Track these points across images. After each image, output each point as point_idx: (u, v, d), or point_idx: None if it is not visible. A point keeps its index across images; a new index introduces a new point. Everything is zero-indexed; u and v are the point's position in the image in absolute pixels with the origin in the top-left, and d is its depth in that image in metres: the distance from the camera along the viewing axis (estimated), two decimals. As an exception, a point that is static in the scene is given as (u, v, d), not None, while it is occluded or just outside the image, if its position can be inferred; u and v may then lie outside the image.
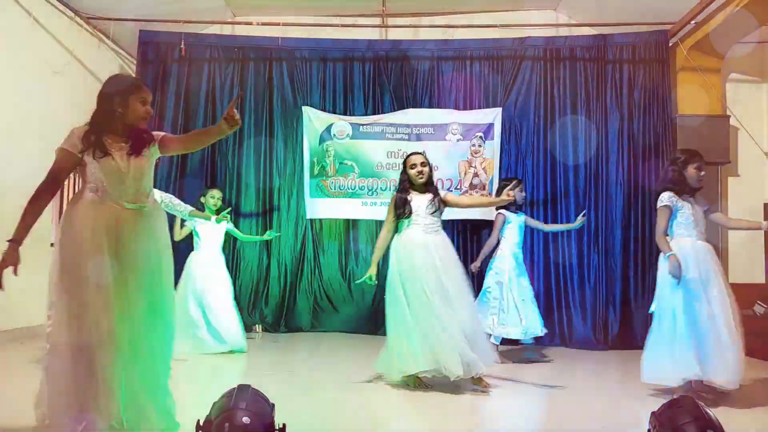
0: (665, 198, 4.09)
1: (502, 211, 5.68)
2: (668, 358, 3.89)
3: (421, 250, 4.16)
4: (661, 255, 4.12)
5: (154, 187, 4.67)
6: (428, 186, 4.36)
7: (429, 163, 4.41)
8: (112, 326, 2.63)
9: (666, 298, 4.02)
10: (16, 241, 2.65)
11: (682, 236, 4.08)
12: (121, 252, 2.72)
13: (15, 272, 2.60)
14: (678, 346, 3.86)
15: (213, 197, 5.83)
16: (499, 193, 5.53)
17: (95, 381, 2.59)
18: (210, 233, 5.77)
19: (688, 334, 3.84)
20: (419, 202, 4.28)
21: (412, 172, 4.33)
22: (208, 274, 5.65)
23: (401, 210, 4.29)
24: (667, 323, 3.96)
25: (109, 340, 2.62)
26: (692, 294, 3.91)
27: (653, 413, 2.51)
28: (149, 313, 2.74)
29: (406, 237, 4.26)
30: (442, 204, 4.30)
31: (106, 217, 2.73)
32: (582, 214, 5.72)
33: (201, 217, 5.62)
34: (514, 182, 5.38)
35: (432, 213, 4.25)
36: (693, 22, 6.57)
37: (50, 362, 2.63)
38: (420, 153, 4.46)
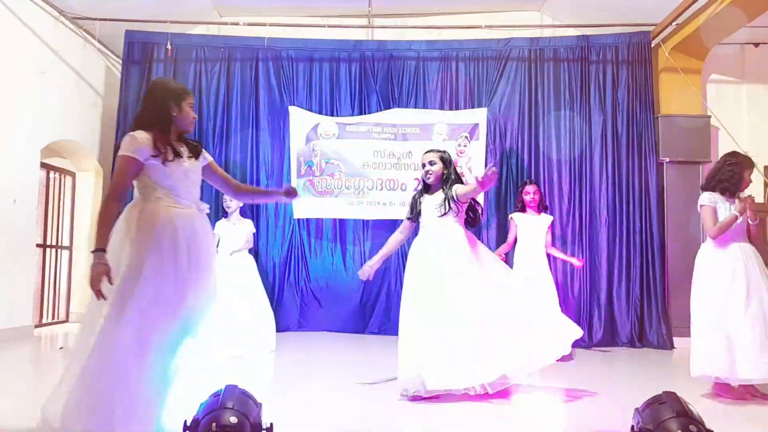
0: (705, 199, 4.12)
1: (513, 215, 5.78)
2: (714, 351, 3.93)
3: (424, 257, 3.98)
4: (702, 246, 4.17)
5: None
6: (443, 185, 4.07)
7: (441, 161, 4.11)
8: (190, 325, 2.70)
9: (702, 294, 4.08)
10: (101, 249, 2.61)
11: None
12: (199, 254, 2.77)
13: (110, 281, 2.57)
14: (718, 341, 3.92)
15: (225, 199, 5.84)
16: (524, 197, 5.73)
17: (161, 382, 2.60)
18: (226, 235, 5.78)
19: (721, 331, 3.91)
20: (429, 203, 4.09)
21: (422, 172, 4.18)
22: (220, 278, 5.59)
23: (410, 212, 4.20)
24: (704, 318, 4.03)
25: (180, 341, 2.66)
26: (725, 294, 3.96)
27: (637, 409, 2.54)
28: (205, 312, 2.82)
29: (415, 242, 4.10)
30: (454, 203, 3.99)
31: (185, 219, 2.76)
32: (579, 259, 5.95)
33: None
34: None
35: (441, 216, 4.00)
36: (674, 23, 6.69)
37: (107, 363, 2.54)
38: (431, 151, 4.21)
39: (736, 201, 4.05)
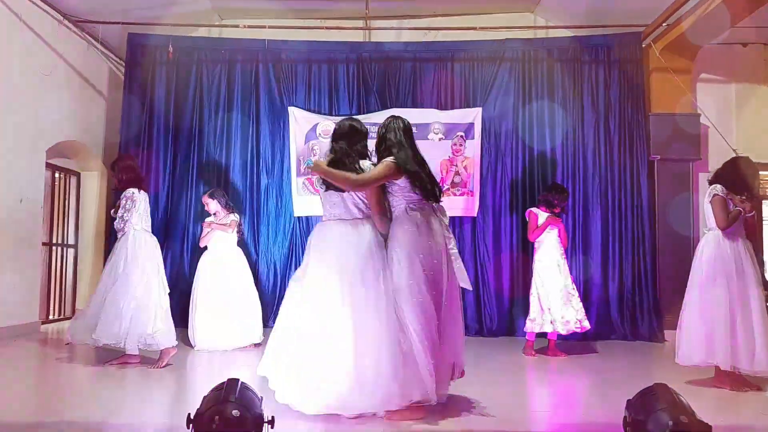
0: (719, 189, 4.27)
1: (532, 209, 5.87)
2: (700, 342, 4.16)
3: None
4: (708, 235, 4.33)
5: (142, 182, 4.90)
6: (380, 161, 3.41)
7: (382, 130, 3.48)
8: None
9: (698, 287, 4.28)
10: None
11: (714, 230, 4.31)
12: None
13: None
14: (708, 332, 4.13)
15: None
16: (552, 199, 5.76)
17: None
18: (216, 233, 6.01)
19: (717, 321, 4.11)
20: None
21: None
22: (215, 272, 5.88)
23: None
24: (697, 310, 4.23)
25: None
26: (723, 286, 4.15)
27: (629, 401, 2.61)
28: None
29: None
30: None
31: None
32: None
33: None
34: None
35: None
36: (665, 24, 6.82)
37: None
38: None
39: (736, 199, 4.24)
